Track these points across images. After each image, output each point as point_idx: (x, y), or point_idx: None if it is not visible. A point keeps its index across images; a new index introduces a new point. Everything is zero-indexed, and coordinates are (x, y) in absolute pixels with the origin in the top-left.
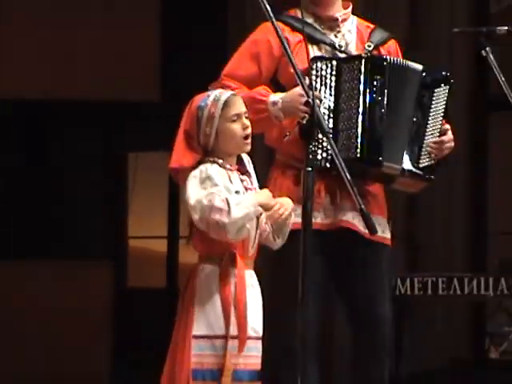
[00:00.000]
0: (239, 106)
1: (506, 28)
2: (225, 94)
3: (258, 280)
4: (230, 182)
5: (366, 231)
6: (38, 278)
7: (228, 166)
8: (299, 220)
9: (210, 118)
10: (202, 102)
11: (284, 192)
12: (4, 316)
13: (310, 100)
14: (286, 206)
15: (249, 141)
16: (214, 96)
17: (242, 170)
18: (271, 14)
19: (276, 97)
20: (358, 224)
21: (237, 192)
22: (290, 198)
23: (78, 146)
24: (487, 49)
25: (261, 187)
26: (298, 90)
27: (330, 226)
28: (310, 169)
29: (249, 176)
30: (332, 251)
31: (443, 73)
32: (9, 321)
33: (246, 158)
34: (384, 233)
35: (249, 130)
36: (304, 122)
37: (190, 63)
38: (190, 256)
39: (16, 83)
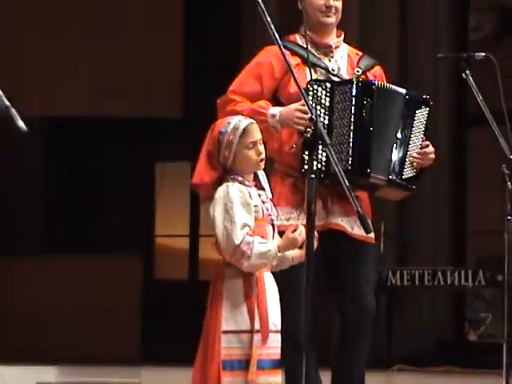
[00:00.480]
0: (255, 134)
1: (484, 54)
2: (243, 123)
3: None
4: (250, 197)
5: (353, 232)
6: (82, 270)
7: (247, 183)
8: (289, 222)
9: (229, 144)
10: (223, 128)
11: (282, 198)
12: (51, 301)
13: (314, 117)
14: (302, 233)
15: (263, 162)
16: (234, 124)
17: (259, 185)
18: (280, 42)
19: (275, 110)
20: (346, 225)
21: (255, 206)
22: (289, 203)
23: (115, 158)
24: (467, 72)
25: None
26: (295, 106)
27: (322, 227)
28: (313, 176)
29: (264, 190)
30: (324, 249)
31: (424, 96)
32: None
33: (260, 174)
34: (371, 230)
35: (262, 155)
36: (308, 135)
37: (210, 83)
38: (208, 252)
39: (60, 103)
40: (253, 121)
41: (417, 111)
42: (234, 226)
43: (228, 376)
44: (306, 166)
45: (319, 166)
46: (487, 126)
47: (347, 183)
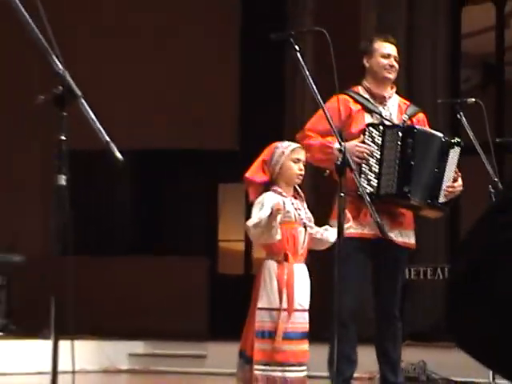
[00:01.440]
0: (301, 155)
1: (474, 100)
2: (295, 145)
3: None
4: (284, 204)
5: (398, 239)
6: (159, 269)
7: (284, 194)
8: (359, 231)
9: (280, 155)
10: (279, 145)
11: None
12: (131, 296)
13: (342, 148)
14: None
15: (301, 177)
16: (288, 144)
17: (296, 196)
18: (318, 95)
19: (339, 145)
20: (392, 235)
21: (288, 212)
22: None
23: (187, 181)
24: (461, 114)
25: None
26: (355, 142)
27: (374, 235)
28: (342, 194)
29: (301, 200)
30: (373, 252)
31: (457, 139)
32: (133, 298)
33: (297, 188)
34: (410, 240)
35: (302, 172)
36: (338, 163)
37: (260, 122)
38: (259, 253)
39: (140, 137)
40: (300, 146)
41: (451, 150)
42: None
43: (259, 343)
44: (360, 190)
45: (371, 189)
46: (477, 155)
47: (369, 199)
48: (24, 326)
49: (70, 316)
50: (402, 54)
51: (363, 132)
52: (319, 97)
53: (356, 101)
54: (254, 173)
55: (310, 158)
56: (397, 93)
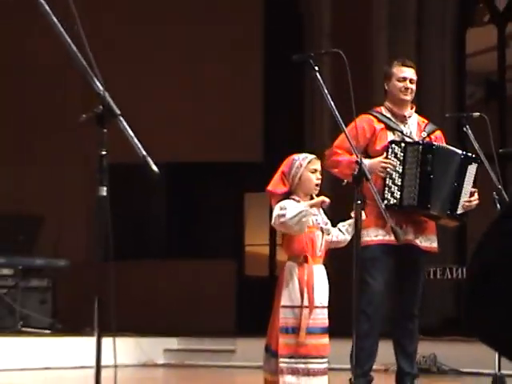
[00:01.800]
0: (317, 166)
1: (479, 113)
2: (311, 156)
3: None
4: None
5: (420, 244)
6: (191, 272)
7: (301, 202)
8: (383, 238)
9: (298, 167)
10: (296, 157)
11: (372, 222)
12: (166, 296)
13: (358, 159)
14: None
15: (318, 187)
16: (304, 156)
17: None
18: (337, 114)
19: (365, 161)
20: (417, 241)
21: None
22: (375, 225)
23: (216, 190)
24: (467, 126)
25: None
26: (379, 159)
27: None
28: (359, 202)
29: (317, 209)
30: (398, 256)
31: (474, 155)
32: (168, 298)
33: (314, 196)
34: (432, 244)
35: (319, 182)
36: (355, 173)
37: (282, 135)
38: (282, 256)
39: (173, 151)
40: (316, 156)
41: (469, 166)
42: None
43: (284, 338)
44: (376, 198)
45: (395, 201)
46: (482, 164)
47: (383, 207)
48: (69, 324)
49: (111, 315)
50: None
51: (386, 149)
52: (340, 118)
53: (379, 120)
54: (275, 185)
55: (338, 173)
56: (416, 112)
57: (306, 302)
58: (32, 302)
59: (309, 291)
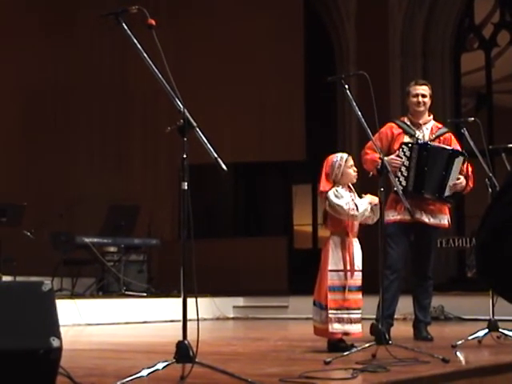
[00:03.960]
0: (352, 162)
1: (473, 119)
2: (346, 155)
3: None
4: (343, 196)
5: (430, 222)
6: (253, 247)
7: (344, 189)
8: (397, 217)
9: (339, 166)
10: (335, 159)
11: (389, 205)
12: (234, 265)
13: (381, 157)
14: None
15: (356, 177)
16: (341, 156)
17: (350, 190)
18: (363, 122)
19: (385, 158)
20: (426, 219)
21: (347, 202)
22: (392, 208)
23: (270, 183)
24: (464, 129)
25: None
26: (392, 156)
27: (411, 220)
28: (382, 189)
29: (354, 193)
30: (411, 233)
31: (461, 150)
32: (236, 267)
33: (350, 185)
34: (441, 221)
35: (356, 174)
36: (378, 167)
37: (321, 138)
38: (322, 232)
39: (238, 153)
40: (349, 155)
41: (456, 159)
42: (342, 201)
43: (331, 295)
44: (395, 188)
45: (401, 188)
46: (476, 158)
47: (401, 192)
48: (160, 288)
49: (193, 281)
50: None
51: (399, 148)
52: (366, 125)
53: (399, 126)
54: (324, 185)
55: (366, 167)
56: (434, 119)
57: (347, 267)
58: (132, 272)
59: (350, 258)
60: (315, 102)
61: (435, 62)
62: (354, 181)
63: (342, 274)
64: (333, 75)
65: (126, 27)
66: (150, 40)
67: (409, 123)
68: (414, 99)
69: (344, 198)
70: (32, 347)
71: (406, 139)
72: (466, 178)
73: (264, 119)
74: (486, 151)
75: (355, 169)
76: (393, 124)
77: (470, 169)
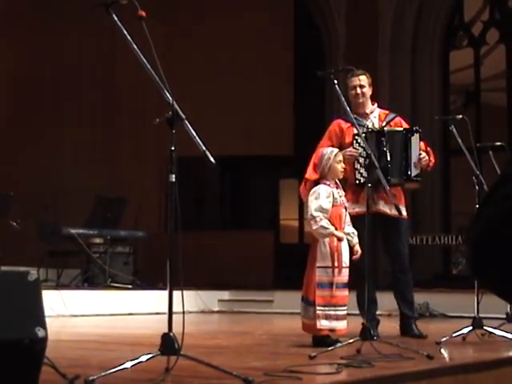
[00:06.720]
0: (341, 157)
1: (461, 116)
2: (336, 150)
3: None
4: (333, 194)
5: (392, 212)
6: (239, 240)
7: (331, 186)
8: (358, 210)
9: (327, 159)
10: (325, 151)
11: (349, 198)
12: (220, 258)
13: (369, 152)
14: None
15: (342, 173)
16: (331, 150)
17: (338, 186)
18: (351, 114)
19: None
20: (386, 209)
21: (335, 198)
22: (352, 200)
23: (257, 177)
24: (452, 126)
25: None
26: (345, 150)
27: (371, 211)
28: (370, 185)
29: (341, 189)
30: (374, 225)
31: (414, 128)
32: (221, 260)
33: (337, 181)
34: (402, 213)
35: (343, 170)
36: (366, 163)
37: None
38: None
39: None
40: (339, 150)
41: (412, 138)
42: (316, 207)
43: (319, 291)
44: (357, 181)
45: (363, 179)
46: (464, 155)
47: (387, 186)
48: (146, 281)
49: (179, 273)
50: (409, 87)
51: (352, 141)
52: (355, 122)
53: (346, 120)
54: (310, 174)
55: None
56: (380, 106)
57: (335, 263)
58: (118, 263)
59: (338, 255)
60: (303, 96)
61: (424, 59)
62: (341, 176)
63: (329, 270)
64: (322, 70)
65: (116, 18)
66: (139, 33)
67: (354, 115)
68: (353, 91)
69: (320, 199)
70: (17, 337)
71: (356, 131)
72: (428, 154)
73: (252, 113)
74: (473, 149)
75: (343, 165)
76: (339, 120)
77: (427, 147)
